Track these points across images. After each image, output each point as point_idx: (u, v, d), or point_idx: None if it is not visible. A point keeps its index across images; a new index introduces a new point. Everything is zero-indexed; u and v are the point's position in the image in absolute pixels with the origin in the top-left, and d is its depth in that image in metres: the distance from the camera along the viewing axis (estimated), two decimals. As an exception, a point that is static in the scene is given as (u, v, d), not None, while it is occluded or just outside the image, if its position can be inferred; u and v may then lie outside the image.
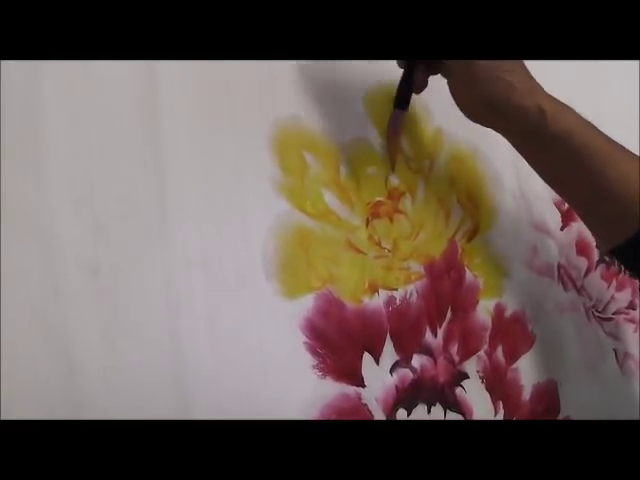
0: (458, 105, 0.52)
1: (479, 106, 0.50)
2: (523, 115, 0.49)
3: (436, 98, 0.56)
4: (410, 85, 0.54)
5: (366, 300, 0.52)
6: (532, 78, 0.50)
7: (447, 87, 0.52)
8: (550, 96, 0.50)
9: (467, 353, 0.57)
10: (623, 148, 0.50)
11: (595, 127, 0.50)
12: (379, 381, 0.52)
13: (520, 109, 0.49)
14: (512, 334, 0.60)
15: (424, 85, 0.54)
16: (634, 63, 0.74)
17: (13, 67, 0.42)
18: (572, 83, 0.70)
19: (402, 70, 0.54)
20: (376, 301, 0.53)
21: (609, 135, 0.50)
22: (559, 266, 0.65)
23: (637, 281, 0.70)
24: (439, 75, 0.53)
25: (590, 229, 0.55)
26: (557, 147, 0.49)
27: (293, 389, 0.48)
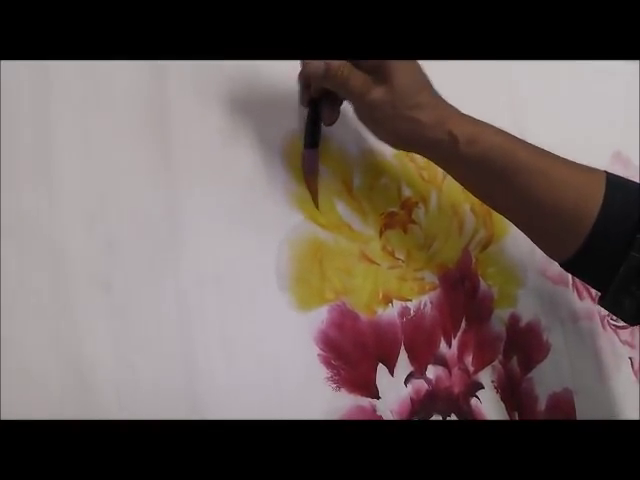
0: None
1: (391, 141, 0.49)
2: (435, 146, 0.47)
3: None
4: (318, 122, 0.51)
5: (380, 311, 0.52)
6: (441, 104, 0.47)
7: (457, 96, 0.49)
8: (464, 118, 0.47)
9: (482, 363, 0.57)
10: (554, 156, 0.47)
11: (520, 140, 0.47)
12: (394, 392, 0.51)
13: (431, 141, 0.47)
14: (527, 344, 0.60)
15: (335, 117, 0.51)
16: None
17: (24, 84, 0.42)
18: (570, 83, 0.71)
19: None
20: (390, 312, 0.53)
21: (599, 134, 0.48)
22: (573, 274, 0.65)
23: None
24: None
25: (539, 246, 0.51)
26: (478, 169, 0.47)
27: (308, 401, 0.48)
